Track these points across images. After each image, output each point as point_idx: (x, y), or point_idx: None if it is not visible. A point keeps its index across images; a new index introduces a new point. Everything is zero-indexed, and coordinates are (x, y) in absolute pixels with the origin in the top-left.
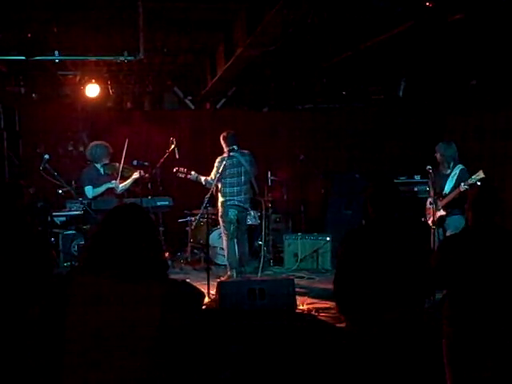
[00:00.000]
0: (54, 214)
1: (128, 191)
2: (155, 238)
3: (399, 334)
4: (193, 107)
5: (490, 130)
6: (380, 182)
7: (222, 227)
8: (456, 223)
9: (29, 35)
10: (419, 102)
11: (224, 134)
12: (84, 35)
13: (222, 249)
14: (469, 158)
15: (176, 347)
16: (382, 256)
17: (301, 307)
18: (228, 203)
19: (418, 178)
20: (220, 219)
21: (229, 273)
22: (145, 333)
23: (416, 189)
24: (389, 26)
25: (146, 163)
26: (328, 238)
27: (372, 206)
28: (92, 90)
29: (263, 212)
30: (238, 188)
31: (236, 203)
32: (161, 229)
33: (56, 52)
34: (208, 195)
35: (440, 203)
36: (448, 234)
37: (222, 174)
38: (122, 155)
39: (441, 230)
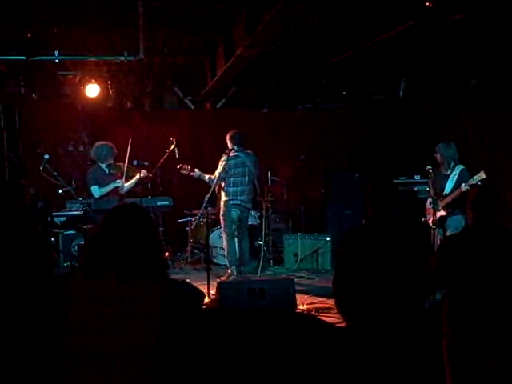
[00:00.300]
0: (54, 214)
1: (128, 191)
2: (155, 237)
3: (399, 334)
4: (193, 107)
5: (490, 129)
6: (379, 182)
7: (222, 226)
8: (456, 223)
9: (29, 35)
10: (419, 102)
11: (230, 133)
12: (84, 35)
13: (222, 249)
14: (468, 158)
15: (176, 347)
16: (381, 256)
17: (301, 307)
18: (231, 202)
19: (417, 178)
20: (221, 218)
21: (229, 271)
22: (145, 332)
23: (416, 189)
24: (389, 26)
25: (146, 163)
26: (328, 238)
27: (371, 206)
28: (92, 90)
29: (263, 212)
30: (242, 188)
31: (239, 203)
32: (161, 229)
33: (56, 52)
34: (208, 195)
35: (440, 203)
36: (448, 233)
37: (227, 173)
38: (123, 155)
39: (441, 231)
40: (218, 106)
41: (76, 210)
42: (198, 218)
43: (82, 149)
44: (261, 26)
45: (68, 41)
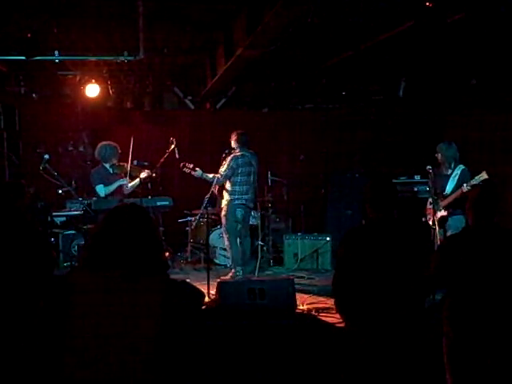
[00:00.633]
0: (54, 214)
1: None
2: (155, 237)
3: (398, 333)
4: (193, 107)
5: (490, 129)
6: (377, 182)
7: (224, 226)
8: (457, 223)
9: (29, 35)
10: (419, 101)
11: (237, 133)
12: (84, 35)
13: (222, 249)
14: (468, 159)
15: (176, 346)
16: (381, 256)
17: (301, 307)
18: (236, 202)
19: (417, 178)
20: (223, 218)
21: (233, 271)
22: (145, 332)
23: (416, 189)
24: (389, 26)
25: (146, 163)
26: (328, 238)
27: (370, 206)
28: (92, 90)
29: (258, 212)
30: (248, 187)
31: (243, 202)
32: (161, 229)
33: (56, 52)
34: (208, 195)
35: (441, 203)
36: (449, 234)
37: (234, 171)
38: (124, 155)
39: (442, 231)
40: (217, 106)
41: (76, 210)
42: (198, 218)
43: (81, 149)
44: (261, 26)
45: (68, 41)
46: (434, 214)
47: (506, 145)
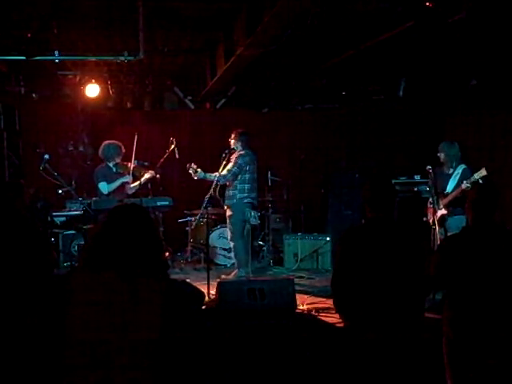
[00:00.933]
0: (54, 214)
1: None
2: (155, 237)
3: (397, 333)
4: (193, 107)
5: (490, 129)
6: (376, 182)
7: (230, 226)
8: (458, 223)
9: (29, 35)
10: (419, 102)
11: (239, 132)
12: (84, 35)
13: (222, 249)
14: (469, 158)
15: (176, 347)
16: (379, 255)
17: (301, 307)
18: (245, 201)
19: (417, 178)
20: (230, 218)
21: (236, 271)
22: (145, 332)
23: (416, 189)
24: (389, 25)
25: (146, 163)
26: (328, 238)
27: (369, 206)
28: (92, 90)
29: (258, 212)
30: (254, 185)
31: (250, 201)
32: (161, 229)
33: (56, 52)
34: (208, 195)
35: (442, 202)
36: (449, 234)
37: (242, 168)
38: (129, 153)
39: (442, 230)
40: (217, 106)
41: (76, 210)
42: (198, 218)
43: (81, 149)
44: (261, 25)
45: (68, 41)
46: (434, 213)
47: (506, 145)
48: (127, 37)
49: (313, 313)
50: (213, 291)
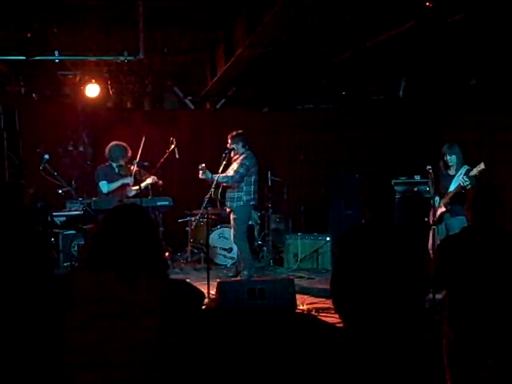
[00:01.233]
0: (54, 214)
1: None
2: (155, 237)
3: (397, 333)
4: (193, 107)
5: (490, 130)
6: (374, 182)
7: (235, 228)
8: (460, 224)
9: (29, 35)
10: (419, 101)
11: (234, 133)
12: (84, 35)
13: (222, 249)
14: (469, 158)
15: (176, 347)
16: (378, 256)
17: (301, 307)
18: (252, 202)
19: (417, 178)
20: (236, 220)
21: (245, 272)
22: (145, 332)
23: (416, 189)
24: (389, 26)
25: (146, 163)
26: (328, 238)
27: (367, 206)
28: (92, 90)
29: (258, 212)
30: (257, 186)
31: (254, 203)
32: (161, 229)
33: (56, 52)
34: (208, 195)
35: (443, 201)
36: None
37: (248, 170)
38: (133, 154)
39: (444, 227)
40: (217, 106)
41: (76, 210)
42: (198, 218)
43: (81, 149)
44: (261, 25)
45: (68, 41)
46: (435, 212)
47: (506, 145)
48: (127, 37)
49: (313, 313)
50: (213, 291)
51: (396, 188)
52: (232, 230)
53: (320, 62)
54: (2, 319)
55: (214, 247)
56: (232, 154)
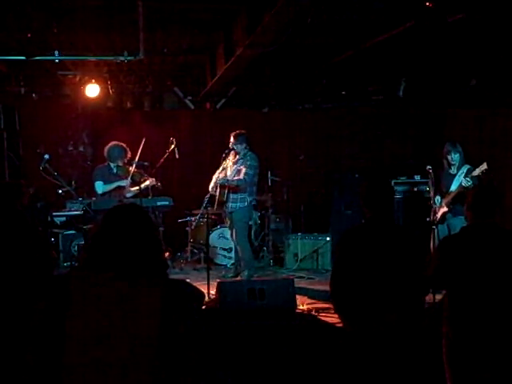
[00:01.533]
0: (54, 214)
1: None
2: (155, 237)
3: (397, 333)
4: (193, 107)
5: (490, 129)
6: (373, 182)
7: (238, 228)
8: (462, 224)
9: (29, 35)
10: (419, 101)
11: (238, 132)
12: (84, 35)
13: (222, 249)
14: (469, 158)
15: (176, 347)
16: (378, 256)
17: (301, 307)
18: (253, 203)
19: (418, 178)
20: (239, 221)
21: (245, 273)
22: (145, 333)
23: (416, 189)
24: (389, 26)
25: (146, 163)
26: (328, 238)
27: (366, 206)
28: (92, 90)
29: (258, 212)
30: (257, 186)
31: (255, 203)
32: (161, 229)
33: (56, 52)
34: (208, 195)
35: (444, 200)
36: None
37: (256, 170)
38: (133, 155)
39: (445, 227)
40: (217, 106)
41: (76, 210)
42: (198, 218)
43: (81, 149)
44: (261, 26)
45: (68, 41)
46: (435, 212)
47: (506, 145)
48: (127, 37)
49: (313, 313)
50: (213, 291)
51: (396, 188)
52: (232, 230)
53: (320, 62)
54: (2, 319)
55: (214, 247)
56: (231, 154)
